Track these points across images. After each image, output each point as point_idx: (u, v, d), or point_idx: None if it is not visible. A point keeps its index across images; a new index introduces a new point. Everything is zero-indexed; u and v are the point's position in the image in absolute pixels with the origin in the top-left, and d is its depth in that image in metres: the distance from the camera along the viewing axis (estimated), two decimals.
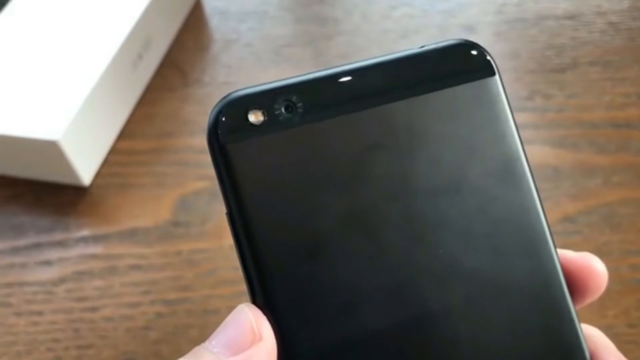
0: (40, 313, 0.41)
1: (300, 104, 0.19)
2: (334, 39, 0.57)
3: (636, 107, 0.48)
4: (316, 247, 0.18)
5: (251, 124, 0.19)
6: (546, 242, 0.20)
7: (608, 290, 0.38)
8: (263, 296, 0.18)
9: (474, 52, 0.21)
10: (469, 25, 0.56)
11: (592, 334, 0.21)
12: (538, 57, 0.53)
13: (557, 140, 0.47)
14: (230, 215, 0.19)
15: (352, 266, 0.19)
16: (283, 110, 0.19)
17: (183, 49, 0.57)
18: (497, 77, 0.20)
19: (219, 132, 0.18)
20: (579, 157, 0.45)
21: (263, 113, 0.19)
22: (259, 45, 0.56)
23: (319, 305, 0.18)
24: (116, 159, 0.49)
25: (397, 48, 0.55)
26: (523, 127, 0.47)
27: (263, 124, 0.19)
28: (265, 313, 0.18)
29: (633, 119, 0.47)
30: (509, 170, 0.20)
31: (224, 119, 0.18)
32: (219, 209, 0.44)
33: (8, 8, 0.53)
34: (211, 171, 0.19)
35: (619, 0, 0.57)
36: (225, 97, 0.19)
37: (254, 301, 0.19)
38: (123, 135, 0.50)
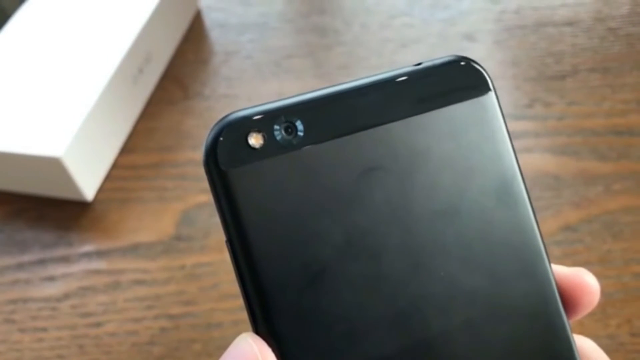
0: (44, 329, 0.41)
1: (299, 125, 0.18)
2: (334, 50, 0.57)
3: (637, 113, 0.48)
4: (319, 274, 0.18)
5: (251, 148, 0.18)
6: (542, 261, 0.20)
7: (611, 299, 0.38)
8: (266, 326, 0.18)
9: (469, 69, 0.20)
10: (469, 34, 0.56)
11: (585, 346, 0.21)
12: (538, 65, 0.53)
13: (558, 148, 0.47)
14: (231, 244, 0.18)
15: (355, 293, 0.18)
16: (283, 132, 0.18)
17: (183, 62, 0.57)
18: (492, 93, 0.20)
19: (218, 156, 0.18)
20: (580, 165, 0.45)
21: (263, 136, 0.18)
22: (260, 57, 0.57)
23: (323, 333, 0.18)
24: (118, 173, 0.49)
25: (397, 57, 0.55)
26: (523, 135, 0.48)
27: (263, 147, 0.18)
28: (268, 343, 0.18)
29: (634, 125, 0.47)
30: (505, 190, 0.20)
31: (222, 142, 0.18)
32: None
33: (8, 25, 0.53)
34: None
35: (618, 5, 0.57)
36: (222, 119, 0.18)
37: (257, 330, 0.18)
38: (125, 150, 0.50)
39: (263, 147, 0.18)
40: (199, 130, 0.51)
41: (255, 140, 0.18)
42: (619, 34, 0.55)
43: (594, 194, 0.43)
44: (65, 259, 0.44)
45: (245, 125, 0.18)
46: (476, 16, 0.58)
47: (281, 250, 0.18)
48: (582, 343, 0.21)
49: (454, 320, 0.19)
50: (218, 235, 0.44)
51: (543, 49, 0.54)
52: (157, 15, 0.54)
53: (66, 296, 0.42)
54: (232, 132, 0.18)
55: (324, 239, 0.18)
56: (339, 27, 0.59)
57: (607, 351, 0.21)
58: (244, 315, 0.41)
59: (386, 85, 0.20)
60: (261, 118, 0.18)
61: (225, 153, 0.18)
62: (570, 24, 0.56)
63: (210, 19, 0.61)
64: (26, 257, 0.45)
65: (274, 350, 0.18)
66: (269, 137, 0.18)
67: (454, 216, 0.19)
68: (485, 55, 0.54)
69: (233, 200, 0.18)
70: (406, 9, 0.59)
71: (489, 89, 0.20)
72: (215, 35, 0.59)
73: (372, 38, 0.57)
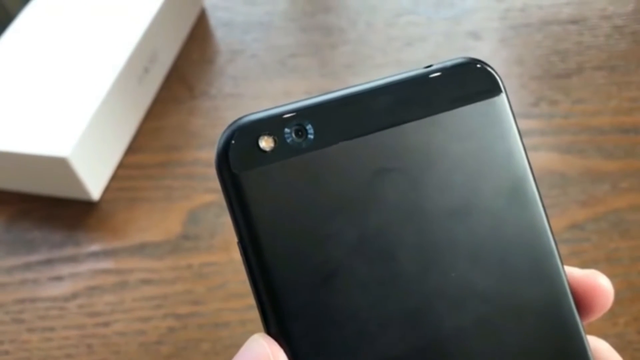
0: (52, 329, 0.41)
1: (310, 128, 0.19)
2: (339, 48, 0.57)
3: None
4: (331, 275, 0.18)
5: (262, 151, 0.18)
6: (555, 262, 0.20)
7: (618, 297, 0.38)
8: (278, 327, 0.18)
9: (480, 71, 0.20)
10: (474, 32, 0.56)
11: (600, 348, 0.21)
12: (543, 63, 0.53)
13: (564, 147, 0.46)
14: (242, 245, 0.18)
15: (367, 294, 0.18)
16: (294, 135, 0.18)
17: (189, 61, 0.57)
18: (503, 95, 0.20)
19: (230, 159, 0.18)
20: (586, 164, 0.45)
21: (274, 139, 0.18)
22: (265, 56, 0.57)
23: (335, 334, 0.18)
24: (125, 173, 0.49)
25: (403, 56, 0.55)
26: (529, 133, 0.47)
27: (274, 150, 0.18)
28: (280, 344, 0.18)
29: None
30: (517, 191, 0.20)
31: (234, 146, 0.18)
32: (228, 221, 0.44)
33: (14, 25, 0.54)
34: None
35: (623, 3, 0.57)
36: (234, 123, 0.18)
37: (268, 331, 0.18)
38: (131, 149, 0.50)
39: (274, 150, 0.18)
40: (205, 130, 0.51)
41: (266, 143, 0.18)
42: (624, 31, 0.54)
43: (600, 192, 0.43)
44: (72, 259, 0.44)
45: (256, 128, 0.18)
46: (481, 14, 0.58)
47: (293, 252, 0.18)
48: (597, 344, 0.21)
49: (467, 320, 0.19)
50: (225, 234, 0.44)
51: (548, 47, 0.54)
52: (162, 15, 0.54)
53: (74, 296, 0.42)
54: (244, 135, 0.18)
55: (336, 240, 0.18)
56: (344, 26, 0.59)
57: (615, 350, 0.21)
58: (251, 315, 0.41)
59: (397, 88, 0.20)
60: (272, 121, 0.18)
61: (237, 156, 0.18)
62: (575, 22, 0.56)
63: (215, 18, 0.61)
64: (34, 257, 0.45)
65: (286, 351, 0.18)
66: (279, 140, 0.18)
67: (466, 217, 0.19)
68: (490, 54, 0.54)
69: (244, 203, 0.18)
70: (411, 7, 0.59)
71: (500, 91, 0.20)
72: (221, 34, 0.59)
73: (377, 37, 0.57)
